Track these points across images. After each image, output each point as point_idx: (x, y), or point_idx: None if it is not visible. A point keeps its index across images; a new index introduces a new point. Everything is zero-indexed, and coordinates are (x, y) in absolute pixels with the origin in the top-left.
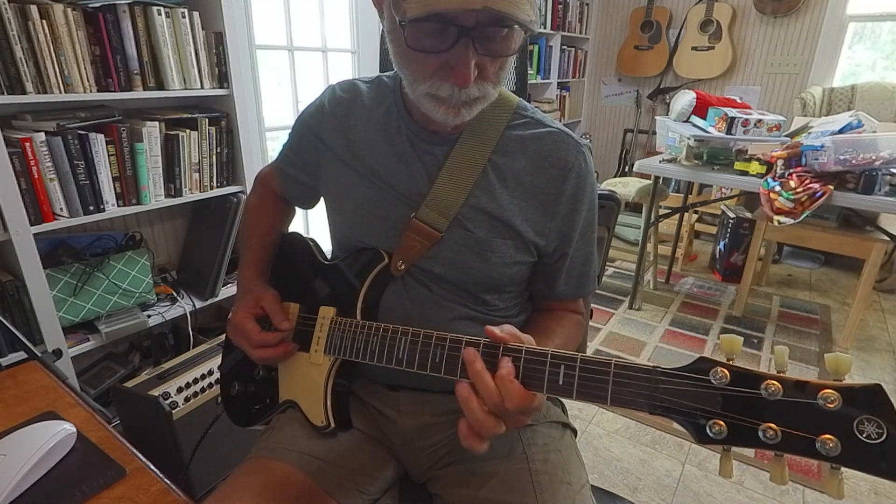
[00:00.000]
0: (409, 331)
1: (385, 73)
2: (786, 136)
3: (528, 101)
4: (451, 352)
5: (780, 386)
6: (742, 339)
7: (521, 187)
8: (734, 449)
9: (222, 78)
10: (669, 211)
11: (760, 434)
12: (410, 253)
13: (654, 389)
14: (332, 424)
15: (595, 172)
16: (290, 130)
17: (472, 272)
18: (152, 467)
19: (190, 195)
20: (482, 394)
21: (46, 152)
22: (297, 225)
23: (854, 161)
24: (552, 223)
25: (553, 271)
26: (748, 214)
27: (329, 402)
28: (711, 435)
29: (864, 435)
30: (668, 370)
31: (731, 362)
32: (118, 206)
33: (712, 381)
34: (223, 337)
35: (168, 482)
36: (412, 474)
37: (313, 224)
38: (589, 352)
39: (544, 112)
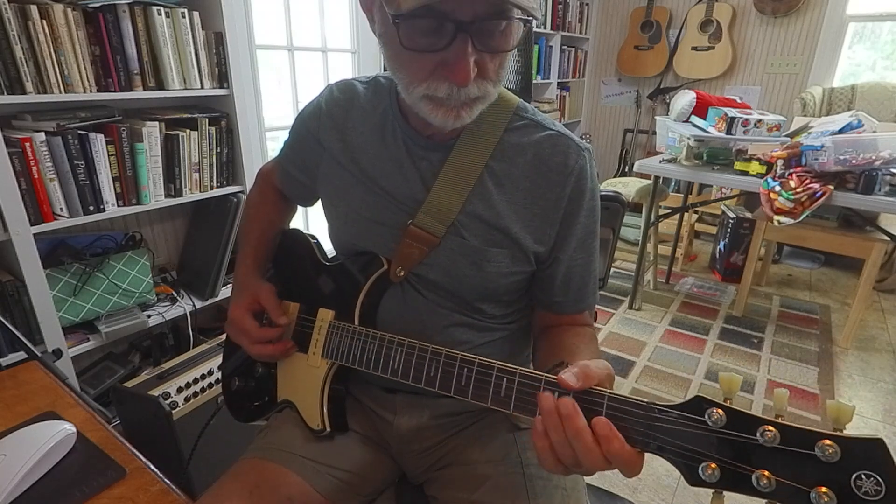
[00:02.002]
0: (406, 342)
1: (382, 73)
2: (786, 136)
3: (530, 102)
4: (446, 367)
5: (777, 433)
6: (741, 378)
7: (520, 193)
8: None
9: (222, 78)
10: (669, 211)
11: (754, 481)
12: (409, 259)
13: (648, 427)
14: (328, 429)
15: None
16: (290, 128)
17: (467, 281)
18: (152, 467)
19: (190, 195)
20: (576, 447)
21: (46, 152)
22: (296, 221)
23: (854, 161)
24: (552, 230)
25: (546, 277)
26: (748, 214)
27: (326, 406)
28: (703, 477)
29: (862, 491)
30: (663, 407)
31: (728, 402)
32: (118, 206)
33: (708, 422)
34: (223, 337)
35: (168, 482)
36: (409, 476)
37: (313, 221)
38: None
39: (544, 112)
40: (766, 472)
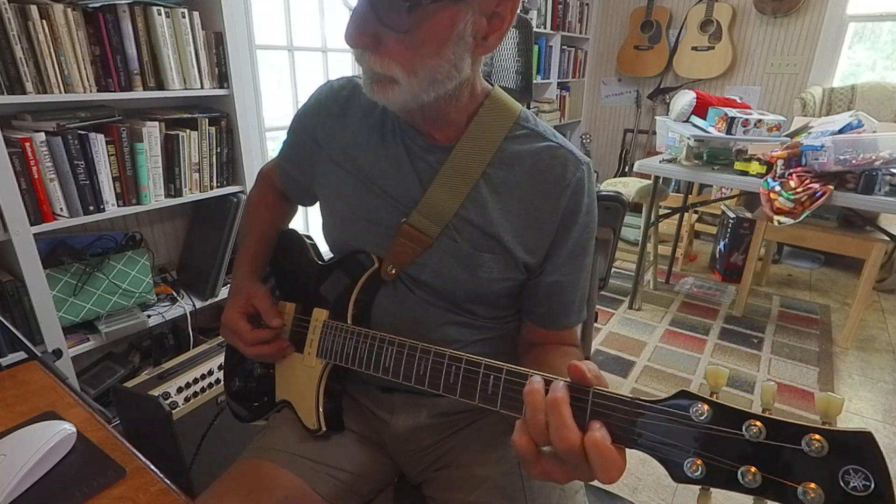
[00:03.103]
0: (396, 340)
1: None
2: (786, 136)
3: (531, 102)
4: (435, 365)
5: (763, 427)
6: (728, 371)
7: (514, 202)
8: None
9: (222, 78)
10: (669, 211)
11: (739, 477)
12: (401, 258)
13: (631, 423)
14: (324, 428)
15: (597, 189)
16: (288, 127)
17: (459, 284)
18: (152, 467)
19: (190, 195)
20: (554, 433)
21: (46, 152)
22: (296, 222)
23: (854, 161)
24: (545, 241)
25: (532, 287)
26: (748, 214)
27: (321, 406)
28: (688, 474)
29: (850, 486)
30: (646, 402)
31: (715, 397)
32: (118, 206)
33: (693, 417)
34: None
35: (168, 482)
36: (408, 476)
37: (313, 221)
38: (590, 352)
39: (544, 112)
40: (752, 468)
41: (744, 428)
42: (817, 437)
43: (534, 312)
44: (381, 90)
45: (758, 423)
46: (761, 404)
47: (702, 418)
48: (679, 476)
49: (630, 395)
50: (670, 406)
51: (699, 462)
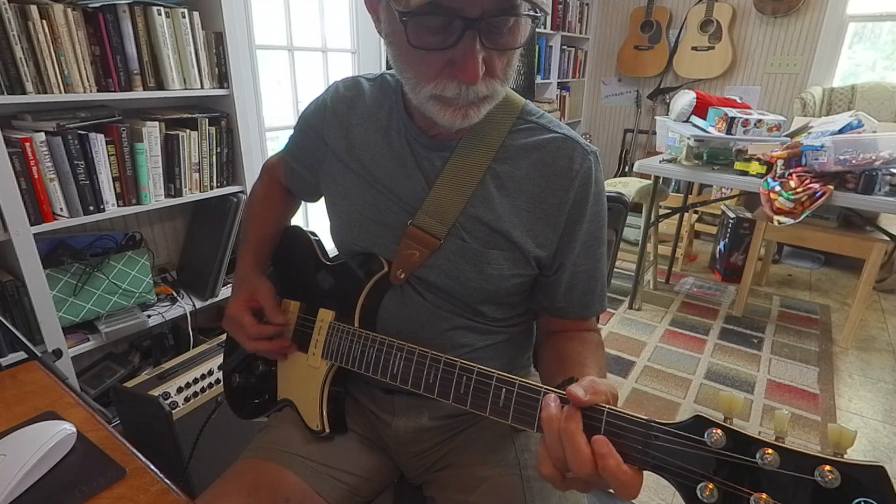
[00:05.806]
0: (405, 347)
1: (388, 71)
2: (786, 136)
3: (532, 101)
4: (445, 374)
5: (776, 456)
6: (743, 397)
7: (522, 196)
8: None
9: (222, 78)
10: (669, 211)
11: None
12: (410, 262)
13: (646, 445)
14: (328, 430)
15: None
16: (294, 124)
17: (468, 283)
18: (152, 467)
19: (190, 195)
20: (572, 462)
21: (46, 152)
22: (296, 219)
23: (854, 161)
24: (555, 234)
25: (551, 283)
26: (748, 214)
27: (325, 407)
28: (701, 498)
29: None
30: (662, 425)
31: (728, 423)
32: (118, 206)
33: (707, 442)
34: (223, 337)
35: (168, 482)
36: (408, 477)
37: (313, 218)
38: None
39: (544, 112)
40: (765, 496)
41: (758, 456)
42: (830, 468)
43: (554, 308)
44: (477, 111)
45: (772, 451)
46: (774, 432)
47: (717, 444)
48: (691, 500)
49: (645, 417)
50: (685, 430)
51: (712, 486)
